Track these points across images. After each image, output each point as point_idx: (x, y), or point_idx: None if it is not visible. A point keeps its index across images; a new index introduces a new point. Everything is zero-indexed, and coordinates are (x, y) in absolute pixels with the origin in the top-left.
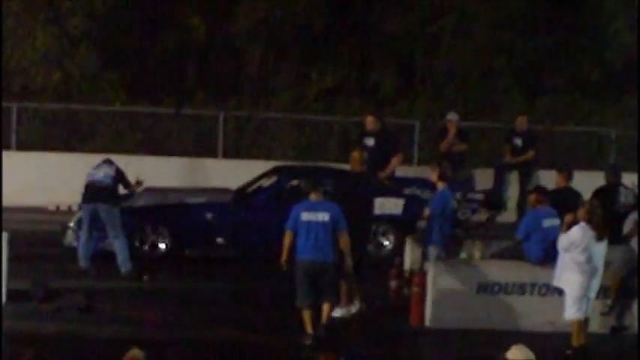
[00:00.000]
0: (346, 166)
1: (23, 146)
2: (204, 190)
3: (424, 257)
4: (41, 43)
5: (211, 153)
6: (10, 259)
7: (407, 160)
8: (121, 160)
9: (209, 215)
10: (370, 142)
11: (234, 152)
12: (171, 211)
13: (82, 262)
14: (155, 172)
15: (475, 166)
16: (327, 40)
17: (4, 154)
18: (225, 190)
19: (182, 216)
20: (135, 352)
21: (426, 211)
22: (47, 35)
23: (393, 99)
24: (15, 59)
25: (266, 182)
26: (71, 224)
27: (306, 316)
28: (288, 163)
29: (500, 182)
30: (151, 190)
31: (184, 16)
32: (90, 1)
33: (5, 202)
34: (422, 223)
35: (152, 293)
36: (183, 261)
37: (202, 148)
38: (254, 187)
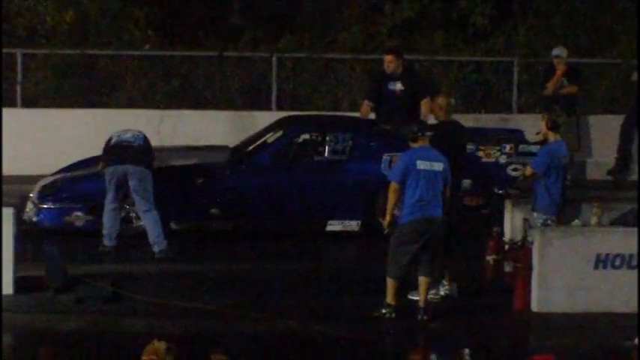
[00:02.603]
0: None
1: (31, 102)
2: (195, 149)
3: (528, 226)
4: None
5: (263, 104)
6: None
7: (505, 108)
8: (154, 116)
9: (200, 180)
10: (397, 86)
11: (291, 103)
12: (154, 176)
13: (107, 240)
14: (196, 129)
15: (589, 112)
16: None
17: (8, 112)
18: (223, 148)
19: (167, 182)
20: (156, 345)
21: (528, 169)
22: None
23: (485, 32)
24: None
25: (270, 138)
26: (32, 194)
27: (395, 286)
28: (297, 113)
29: (627, 134)
30: None
31: None
32: None
33: (8, 171)
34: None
35: (187, 276)
36: (210, 238)
37: (252, 98)
38: (256, 144)
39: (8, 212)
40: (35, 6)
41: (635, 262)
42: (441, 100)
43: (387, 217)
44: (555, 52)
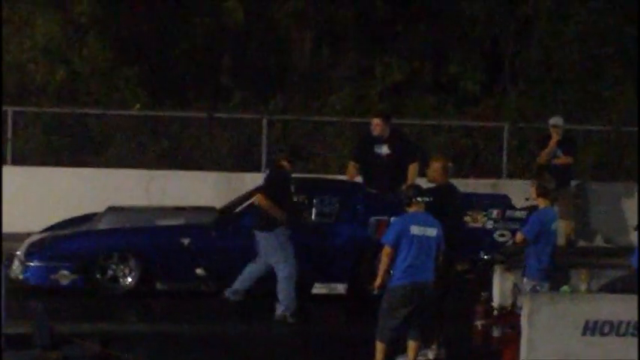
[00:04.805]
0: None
1: (20, 160)
2: (182, 210)
3: (517, 291)
4: (42, 34)
5: (253, 166)
6: None
7: (495, 173)
8: (143, 176)
9: (186, 240)
10: (383, 150)
11: None
12: (139, 235)
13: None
14: (185, 190)
15: (579, 179)
16: (394, 26)
17: None
18: (209, 210)
19: (153, 242)
20: None
21: (519, 236)
22: (49, 23)
23: (476, 97)
24: (10, 53)
25: None
26: (19, 252)
27: (383, 350)
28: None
29: None
30: (115, 210)
31: None
32: None
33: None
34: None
35: (176, 337)
36: (197, 299)
37: (242, 160)
38: (243, 205)
39: None
40: (26, 63)
41: (623, 330)
42: (437, 164)
43: (379, 280)
44: (553, 121)
